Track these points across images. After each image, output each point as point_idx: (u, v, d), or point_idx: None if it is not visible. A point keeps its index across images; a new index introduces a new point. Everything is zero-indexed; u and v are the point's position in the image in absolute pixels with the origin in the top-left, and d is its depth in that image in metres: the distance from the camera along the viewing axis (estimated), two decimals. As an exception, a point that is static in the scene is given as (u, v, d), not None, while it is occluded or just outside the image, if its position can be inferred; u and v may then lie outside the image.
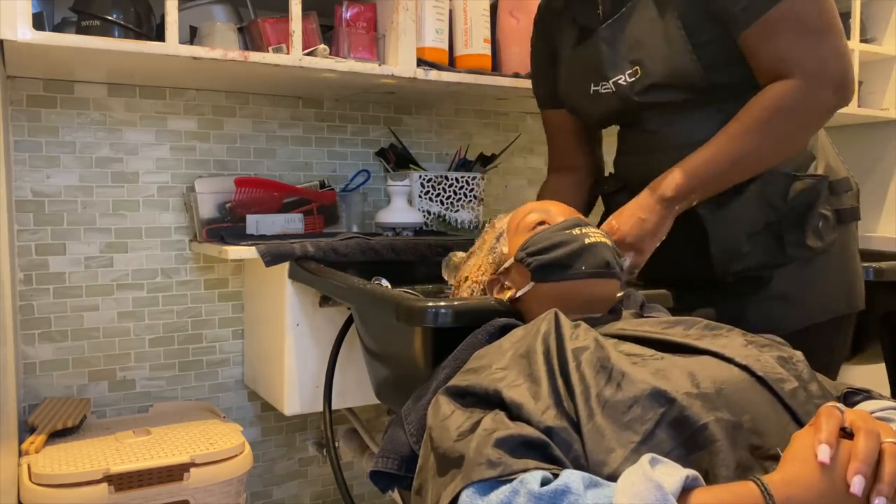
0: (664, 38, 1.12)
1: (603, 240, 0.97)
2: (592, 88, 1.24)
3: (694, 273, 1.18)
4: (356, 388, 1.45)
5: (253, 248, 1.41)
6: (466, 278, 1.11)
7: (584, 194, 1.41)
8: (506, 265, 1.02)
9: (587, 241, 0.95)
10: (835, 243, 1.16)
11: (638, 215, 1.11)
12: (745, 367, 0.75)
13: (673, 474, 0.60)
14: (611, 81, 1.20)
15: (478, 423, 0.70)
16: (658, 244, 1.12)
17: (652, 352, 0.78)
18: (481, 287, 1.07)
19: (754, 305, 1.17)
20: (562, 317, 0.83)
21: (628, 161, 1.31)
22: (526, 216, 1.04)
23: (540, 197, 1.41)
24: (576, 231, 0.97)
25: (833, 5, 1.06)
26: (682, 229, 1.13)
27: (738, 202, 1.13)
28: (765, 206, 1.13)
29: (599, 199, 1.42)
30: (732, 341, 0.81)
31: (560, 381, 0.73)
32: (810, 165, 1.15)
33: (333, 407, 1.39)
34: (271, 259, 1.38)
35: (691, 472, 0.61)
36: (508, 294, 1.00)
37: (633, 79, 1.17)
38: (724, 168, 1.08)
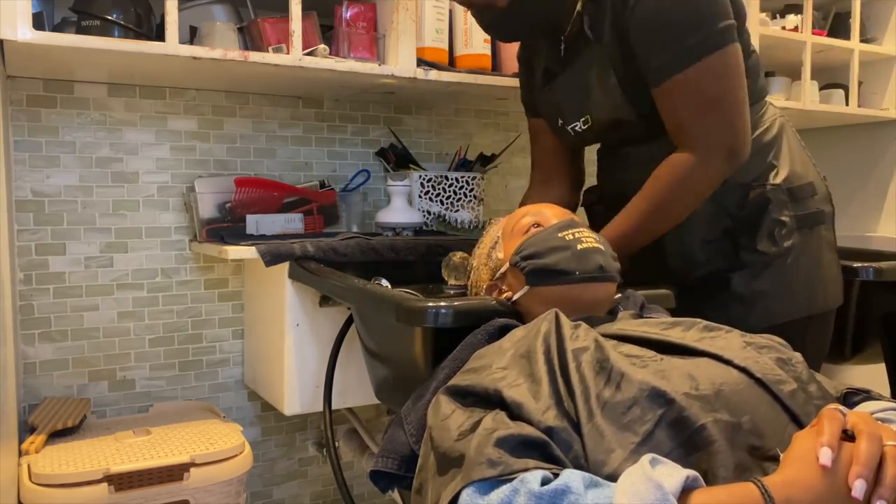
0: (604, 91, 1.20)
1: (595, 245, 0.97)
2: (559, 123, 1.33)
3: (658, 278, 1.21)
4: (356, 388, 1.45)
5: (253, 248, 1.41)
6: (475, 284, 1.13)
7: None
8: (502, 270, 1.03)
9: (580, 246, 0.96)
10: (794, 248, 1.20)
11: None
12: (743, 369, 0.75)
13: (673, 474, 0.60)
14: (569, 127, 1.30)
15: (478, 422, 0.70)
16: None
17: (651, 353, 0.78)
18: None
19: (713, 306, 1.21)
20: (562, 317, 0.83)
21: (604, 177, 1.39)
22: (520, 220, 1.05)
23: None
24: (568, 236, 0.97)
25: (737, 77, 1.11)
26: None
27: (693, 216, 1.18)
28: (722, 216, 1.20)
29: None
30: (731, 343, 0.81)
31: (561, 381, 0.73)
32: (769, 175, 1.20)
33: (333, 407, 1.39)
34: (271, 259, 1.38)
35: (691, 472, 0.61)
36: (504, 297, 1.01)
37: (586, 126, 1.28)
38: (632, 239, 1.16)
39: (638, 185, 1.18)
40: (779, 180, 1.20)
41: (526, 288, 0.97)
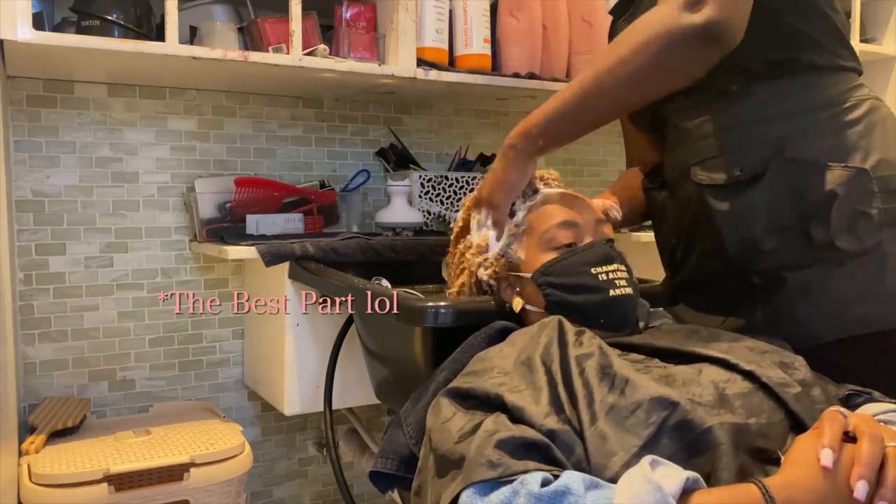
0: None
1: (627, 291, 0.93)
2: None
3: (722, 274, 1.09)
4: (356, 388, 1.45)
5: (253, 248, 1.41)
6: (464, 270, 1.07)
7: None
8: (520, 273, 0.98)
9: (612, 293, 0.91)
10: (881, 246, 0.98)
11: (490, 170, 1.05)
12: (748, 373, 0.75)
13: (673, 476, 0.60)
14: None
15: (479, 425, 0.70)
16: (512, 193, 1.04)
17: (655, 360, 0.78)
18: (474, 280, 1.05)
19: (776, 307, 1.03)
20: (566, 323, 0.83)
21: (664, 158, 1.25)
22: (553, 227, 0.98)
23: (618, 181, 1.33)
24: (602, 275, 0.92)
25: None
26: (701, 227, 1.09)
27: (752, 192, 1.02)
28: (792, 198, 1.01)
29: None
30: (735, 347, 0.81)
31: (562, 390, 0.73)
32: (852, 156, 1.01)
33: (333, 407, 1.39)
34: (271, 259, 1.38)
35: (692, 473, 0.61)
36: (517, 301, 0.97)
37: None
38: (569, 104, 0.99)
39: (690, 161, 1.09)
40: (867, 165, 1.00)
41: (543, 311, 0.94)
